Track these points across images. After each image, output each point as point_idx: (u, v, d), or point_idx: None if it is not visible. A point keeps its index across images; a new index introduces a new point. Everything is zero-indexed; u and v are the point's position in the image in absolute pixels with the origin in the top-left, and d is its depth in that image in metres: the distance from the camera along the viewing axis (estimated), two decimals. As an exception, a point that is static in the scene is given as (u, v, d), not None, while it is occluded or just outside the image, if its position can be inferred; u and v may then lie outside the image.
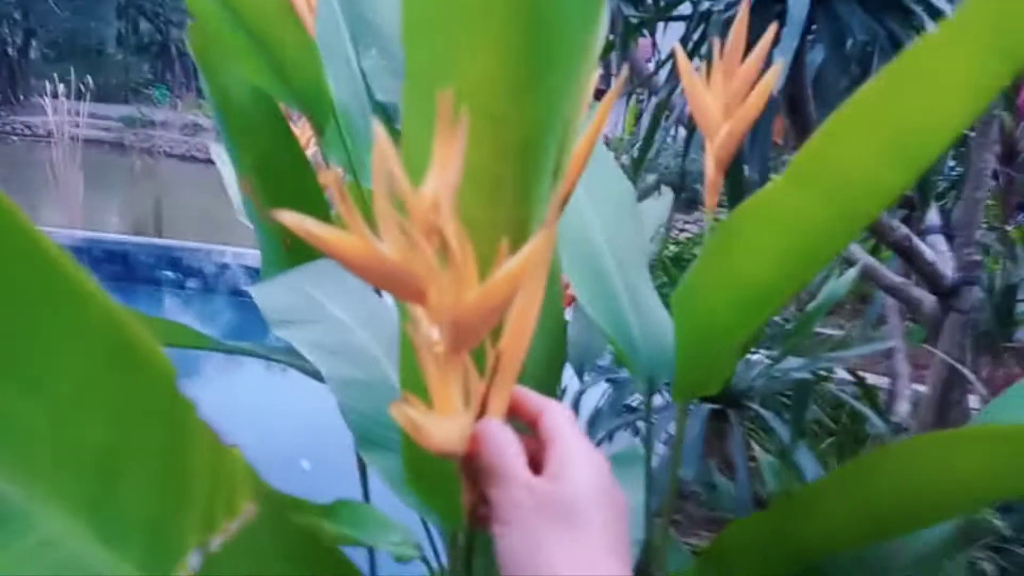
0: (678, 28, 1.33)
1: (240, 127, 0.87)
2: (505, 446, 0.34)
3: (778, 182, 0.38)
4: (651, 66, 1.67)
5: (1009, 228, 2.22)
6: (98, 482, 0.29)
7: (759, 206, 0.40)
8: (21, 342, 0.28)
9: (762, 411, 1.26)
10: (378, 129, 0.31)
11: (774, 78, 0.55)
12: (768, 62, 0.58)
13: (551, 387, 0.56)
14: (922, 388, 1.86)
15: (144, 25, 19.67)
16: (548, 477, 0.34)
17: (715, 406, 1.37)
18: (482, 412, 0.36)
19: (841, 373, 1.78)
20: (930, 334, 1.42)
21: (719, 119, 0.58)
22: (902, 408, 1.78)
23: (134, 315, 0.31)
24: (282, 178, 0.88)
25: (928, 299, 1.41)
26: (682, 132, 1.33)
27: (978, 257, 1.23)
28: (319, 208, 0.94)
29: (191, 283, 5.06)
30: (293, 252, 0.95)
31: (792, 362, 1.36)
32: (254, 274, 4.57)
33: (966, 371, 1.16)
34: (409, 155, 0.38)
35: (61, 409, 0.29)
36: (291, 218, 0.30)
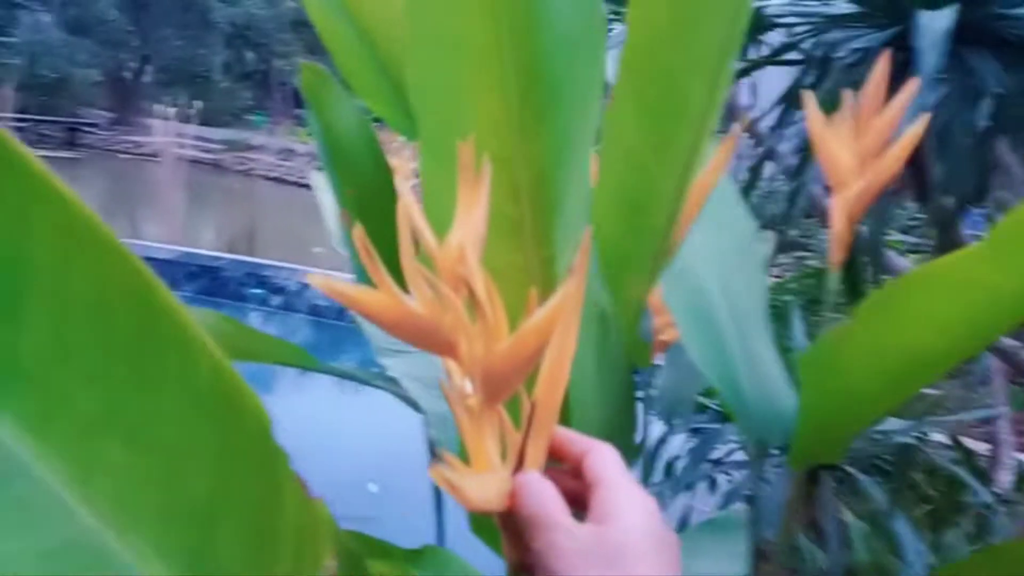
0: (778, 73, 1.29)
1: (343, 161, 0.88)
2: (544, 496, 0.32)
3: (968, 252, 0.35)
4: (749, 110, 1.64)
5: None
6: (198, 534, 0.29)
7: (938, 274, 0.37)
8: (128, 392, 0.27)
9: (858, 474, 1.19)
10: (399, 183, 0.32)
11: (916, 135, 0.52)
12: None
13: (621, 436, 0.53)
14: (1025, 457, 1.73)
15: (248, 54, 20.73)
16: (594, 522, 0.32)
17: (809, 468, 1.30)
18: (520, 464, 0.34)
19: (937, 435, 1.68)
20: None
21: (852, 172, 0.55)
22: (1004, 478, 1.66)
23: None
24: (379, 214, 0.89)
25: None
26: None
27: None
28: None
29: (275, 300, 5.23)
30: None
31: (893, 423, 1.28)
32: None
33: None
34: (431, 207, 0.39)
35: (165, 460, 0.28)
36: (319, 280, 0.30)
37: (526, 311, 0.32)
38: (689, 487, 1.43)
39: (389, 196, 0.90)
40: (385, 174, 0.87)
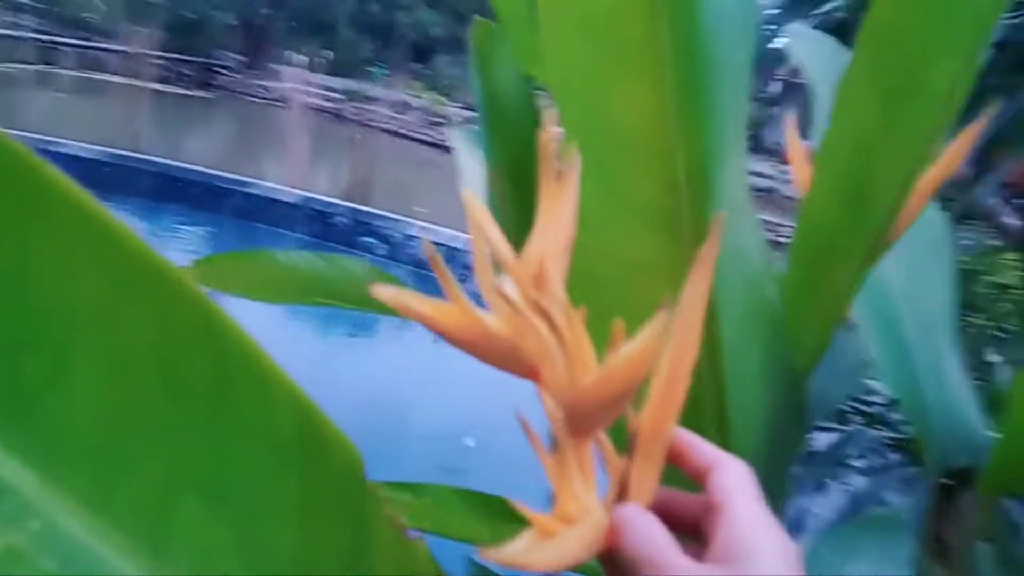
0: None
1: (501, 121, 0.87)
2: (651, 533, 0.28)
3: None
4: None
5: None
6: None
7: None
8: (204, 446, 0.25)
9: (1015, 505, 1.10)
10: (467, 195, 0.29)
11: None
12: None
13: (784, 449, 0.50)
14: None
15: (373, 6, 21.08)
16: (716, 560, 0.27)
17: (947, 481, 1.21)
18: (622, 495, 0.30)
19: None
20: None
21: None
22: None
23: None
24: (531, 180, 0.87)
25: None
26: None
27: None
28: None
29: (381, 249, 5.38)
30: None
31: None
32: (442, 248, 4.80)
33: None
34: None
35: (247, 517, 0.25)
36: (387, 292, 0.27)
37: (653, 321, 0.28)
38: (819, 487, 1.37)
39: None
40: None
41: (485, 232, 0.29)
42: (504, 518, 0.60)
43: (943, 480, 1.19)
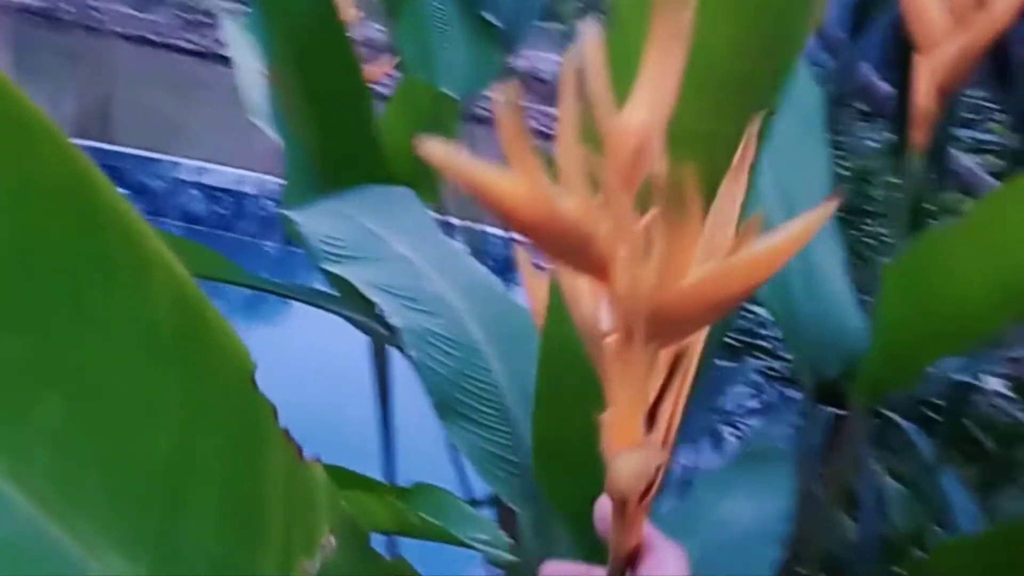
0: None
1: (283, 10, 0.87)
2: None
3: None
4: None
5: None
6: (160, 512, 0.28)
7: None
8: (67, 333, 0.26)
9: (902, 421, 1.26)
10: (585, 26, 0.28)
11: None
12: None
13: None
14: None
15: None
16: None
17: (837, 411, 1.37)
18: (651, 424, 0.33)
19: (990, 384, 1.77)
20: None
21: (944, 29, 0.57)
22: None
23: (167, 239, 0.29)
24: (326, 75, 0.88)
25: None
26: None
27: None
28: (362, 116, 0.94)
29: (139, 203, 5.13)
30: (327, 173, 0.96)
31: (944, 362, 1.35)
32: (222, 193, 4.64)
33: None
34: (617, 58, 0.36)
35: (116, 418, 0.27)
36: (436, 149, 0.26)
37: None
38: (693, 441, 1.49)
39: (338, 54, 0.89)
40: (334, 24, 0.86)
41: (591, 75, 0.28)
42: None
43: (830, 405, 1.34)
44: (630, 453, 0.32)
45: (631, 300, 0.29)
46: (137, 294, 0.27)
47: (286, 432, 0.33)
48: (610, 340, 0.31)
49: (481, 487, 1.07)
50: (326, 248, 0.75)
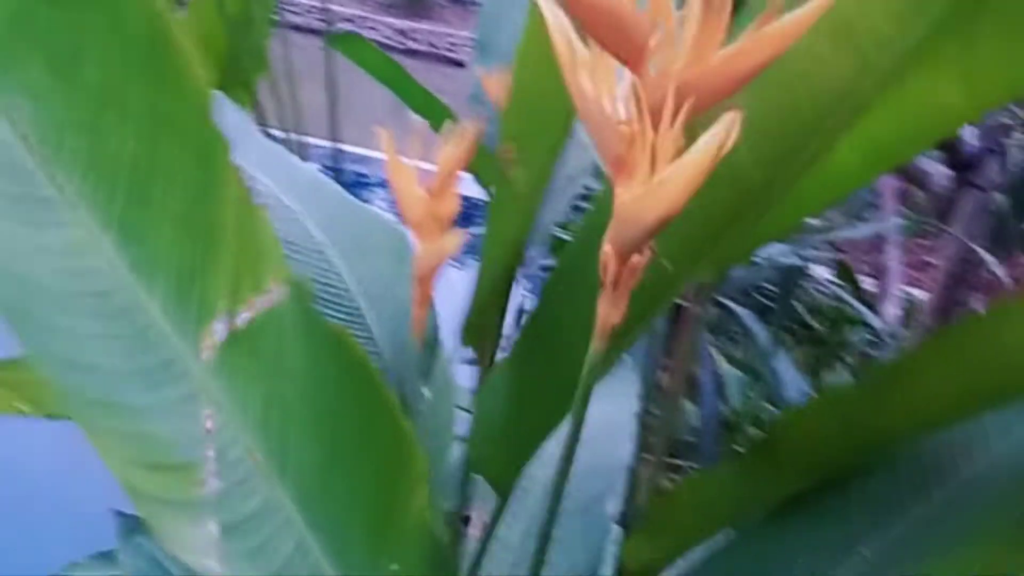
0: None
1: None
2: None
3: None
4: None
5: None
6: (126, 197, 0.34)
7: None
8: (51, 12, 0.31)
9: (736, 308, 1.30)
10: None
11: None
12: None
13: None
14: (915, 292, 1.95)
15: None
16: None
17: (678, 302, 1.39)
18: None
19: (818, 272, 1.84)
20: (938, 218, 1.48)
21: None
22: (890, 311, 1.87)
23: None
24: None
25: (939, 172, 1.45)
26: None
27: (1007, 120, 1.28)
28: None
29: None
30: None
31: (773, 248, 1.39)
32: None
33: (986, 256, 1.22)
34: None
35: (90, 105, 0.32)
36: None
37: None
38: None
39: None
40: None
41: None
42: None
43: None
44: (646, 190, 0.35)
45: (663, 78, 0.33)
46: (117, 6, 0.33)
47: (239, 169, 0.37)
48: (627, 126, 0.35)
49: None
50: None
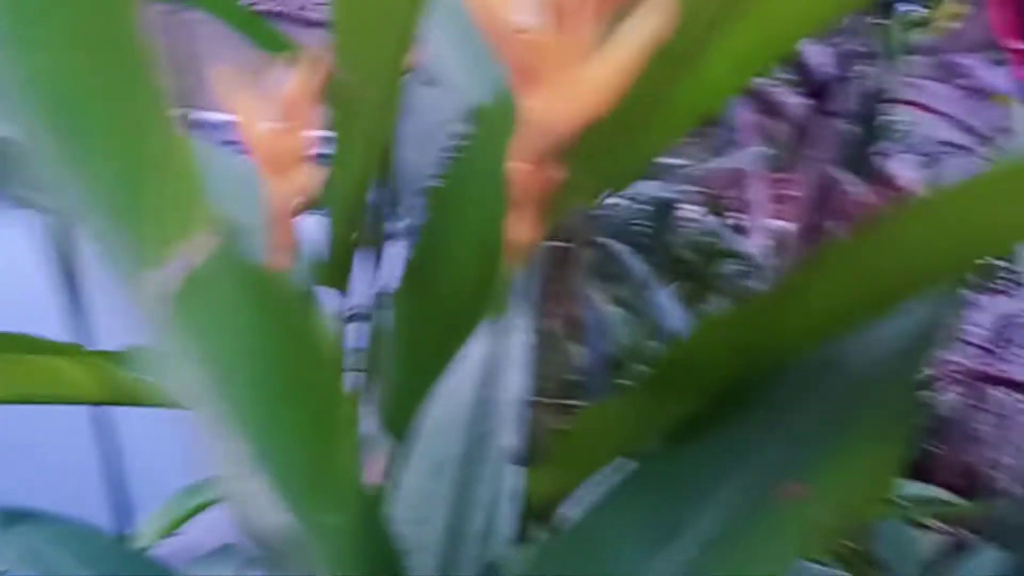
0: None
1: None
2: None
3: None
4: None
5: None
6: (52, 113, 0.30)
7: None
8: None
9: (616, 244, 1.32)
10: None
11: None
12: None
13: None
14: (780, 223, 2.02)
15: None
16: None
17: (551, 242, 1.40)
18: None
19: (688, 209, 1.89)
20: (796, 149, 1.52)
21: None
22: (758, 242, 1.93)
23: None
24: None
25: (794, 101, 1.50)
26: None
27: (863, 48, 1.32)
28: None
29: None
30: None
31: (644, 186, 1.41)
32: None
33: (845, 177, 1.27)
34: None
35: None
36: None
37: None
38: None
39: None
40: None
41: None
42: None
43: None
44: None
45: None
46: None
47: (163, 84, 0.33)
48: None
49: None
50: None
